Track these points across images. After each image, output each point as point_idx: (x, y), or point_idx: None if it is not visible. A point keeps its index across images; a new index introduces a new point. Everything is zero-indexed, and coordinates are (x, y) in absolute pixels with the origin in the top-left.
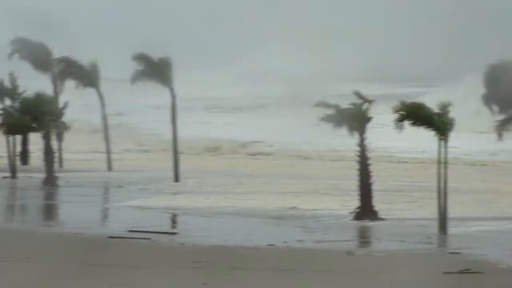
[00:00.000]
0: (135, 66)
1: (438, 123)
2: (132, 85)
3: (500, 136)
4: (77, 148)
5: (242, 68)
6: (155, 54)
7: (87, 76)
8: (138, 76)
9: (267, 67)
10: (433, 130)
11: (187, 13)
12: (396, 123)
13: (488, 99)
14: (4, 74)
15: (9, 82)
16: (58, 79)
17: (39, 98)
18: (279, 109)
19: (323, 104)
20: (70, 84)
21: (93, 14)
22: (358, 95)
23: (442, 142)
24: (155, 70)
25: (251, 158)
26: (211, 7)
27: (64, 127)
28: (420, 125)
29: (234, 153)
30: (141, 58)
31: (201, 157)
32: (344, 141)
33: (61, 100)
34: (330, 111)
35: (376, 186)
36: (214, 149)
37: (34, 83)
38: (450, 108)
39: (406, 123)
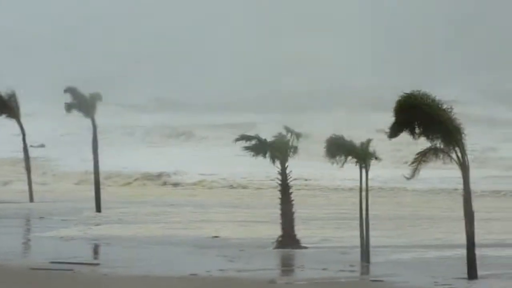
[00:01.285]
0: (66, 99)
1: (360, 152)
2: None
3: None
4: None
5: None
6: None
7: (7, 106)
8: (69, 108)
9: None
10: (355, 159)
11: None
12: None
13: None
14: None
15: None
16: None
17: None
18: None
19: (245, 137)
20: None
21: None
22: (287, 128)
23: (363, 171)
24: (83, 103)
25: (172, 188)
26: None
27: None
28: (344, 155)
29: (154, 184)
30: (71, 91)
31: (119, 187)
32: (266, 169)
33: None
34: (251, 143)
35: (298, 214)
36: (132, 179)
37: None
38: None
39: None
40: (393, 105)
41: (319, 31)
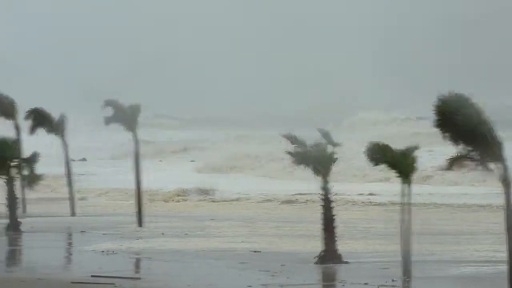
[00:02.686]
0: (106, 112)
1: (403, 165)
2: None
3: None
4: (40, 194)
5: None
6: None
7: (55, 127)
8: (108, 121)
9: None
10: (396, 172)
11: None
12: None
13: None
14: None
15: None
16: (29, 129)
17: (1, 143)
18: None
19: (291, 138)
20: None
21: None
22: (325, 135)
23: (406, 185)
24: (124, 116)
25: (215, 203)
26: None
27: (34, 175)
28: (386, 166)
29: (197, 199)
30: (111, 103)
31: (158, 203)
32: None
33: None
34: (298, 148)
35: (340, 229)
36: (178, 195)
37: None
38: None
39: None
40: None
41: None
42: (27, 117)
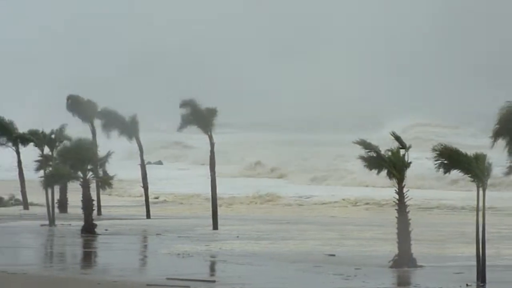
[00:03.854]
0: (182, 113)
1: (476, 169)
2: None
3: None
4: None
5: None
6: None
7: (128, 128)
8: (185, 123)
9: None
10: (471, 176)
11: None
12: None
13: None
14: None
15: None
16: (103, 129)
17: (79, 145)
18: None
19: (364, 144)
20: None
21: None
22: (396, 138)
23: (480, 190)
24: (200, 117)
25: (285, 206)
26: None
27: (106, 176)
28: (458, 170)
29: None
30: (188, 105)
31: (236, 206)
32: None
33: (105, 149)
34: (371, 153)
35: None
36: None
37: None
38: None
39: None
40: None
41: None
42: (100, 117)
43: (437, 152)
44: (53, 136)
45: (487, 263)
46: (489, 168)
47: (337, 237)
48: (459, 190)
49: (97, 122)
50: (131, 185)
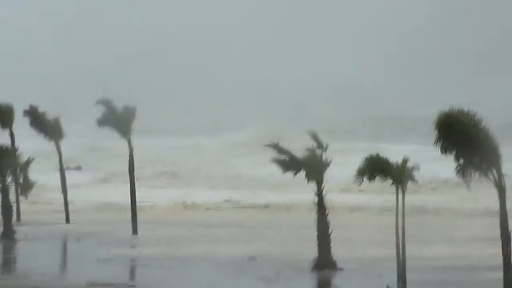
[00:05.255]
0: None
1: (396, 173)
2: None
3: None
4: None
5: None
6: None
7: (50, 130)
8: (102, 123)
9: None
10: (391, 180)
11: None
12: (356, 176)
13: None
14: None
15: None
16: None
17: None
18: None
19: (276, 147)
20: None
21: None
22: (314, 137)
23: (400, 192)
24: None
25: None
26: None
27: (28, 182)
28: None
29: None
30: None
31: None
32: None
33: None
34: (283, 157)
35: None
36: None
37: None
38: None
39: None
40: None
41: None
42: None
43: (366, 162)
44: None
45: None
46: (409, 173)
47: (256, 240)
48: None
49: (17, 125)
50: (49, 190)
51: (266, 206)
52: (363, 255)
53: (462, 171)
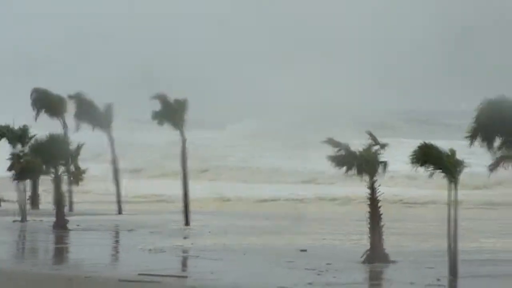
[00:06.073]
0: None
1: (448, 165)
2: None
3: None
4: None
5: None
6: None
7: (100, 119)
8: (156, 117)
9: None
10: (443, 172)
11: None
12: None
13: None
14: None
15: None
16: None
17: (52, 140)
18: None
19: (333, 143)
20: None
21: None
22: (371, 135)
23: (452, 185)
24: (171, 111)
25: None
26: None
27: (78, 170)
28: (432, 167)
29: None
30: (160, 98)
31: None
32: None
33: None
34: (340, 152)
35: (388, 228)
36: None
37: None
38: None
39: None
40: None
41: None
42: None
43: (415, 150)
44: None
45: (462, 257)
46: (461, 164)
47: (311, 232)
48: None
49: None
50: (99, 180)
51: (316, 199)
52: (416, 248)
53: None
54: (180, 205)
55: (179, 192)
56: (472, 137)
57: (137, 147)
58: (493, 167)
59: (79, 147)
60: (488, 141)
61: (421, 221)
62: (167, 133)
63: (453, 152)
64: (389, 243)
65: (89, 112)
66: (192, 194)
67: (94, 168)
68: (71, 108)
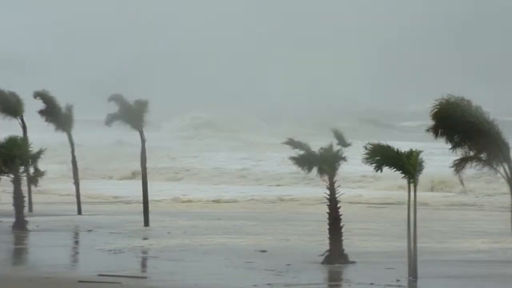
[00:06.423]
0: (110, 108)
1: (408, 166)
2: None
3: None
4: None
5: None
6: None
7: (62, 120)
8: (112, 119)
9: None
10: (402, 173)
11: None
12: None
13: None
14: None
15: None
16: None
17: (11, 142)
18: None
19: (293, 143)
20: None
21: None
22: (336, 134)
23: (411, 185)
24: (130, 113)
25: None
26: None
27: (38, 172)
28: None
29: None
30: (117, 100)
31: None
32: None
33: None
34: (301, 152)
35: (350, 229)
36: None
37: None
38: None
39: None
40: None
41: None
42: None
43: (369, 150)
44: None
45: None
46: (421, 164)
47: (265, 233)
48: None
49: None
50: (58, 180)
51: (279, 200)
52: (377, 249)
53: (459, 165)
54: (137, 206)
55: (135, 193)
56: (435, 131)
57: (86, 148)
58: (458, 168)
59: (41, 151)
60: (448, 137)
61: (383, 222)
62: (115, 134)
63: (416, 152)
64: (350, 244)
65: (53, 112)
66: (149, 195)
67: (53, 168)
68: (37, 106)
